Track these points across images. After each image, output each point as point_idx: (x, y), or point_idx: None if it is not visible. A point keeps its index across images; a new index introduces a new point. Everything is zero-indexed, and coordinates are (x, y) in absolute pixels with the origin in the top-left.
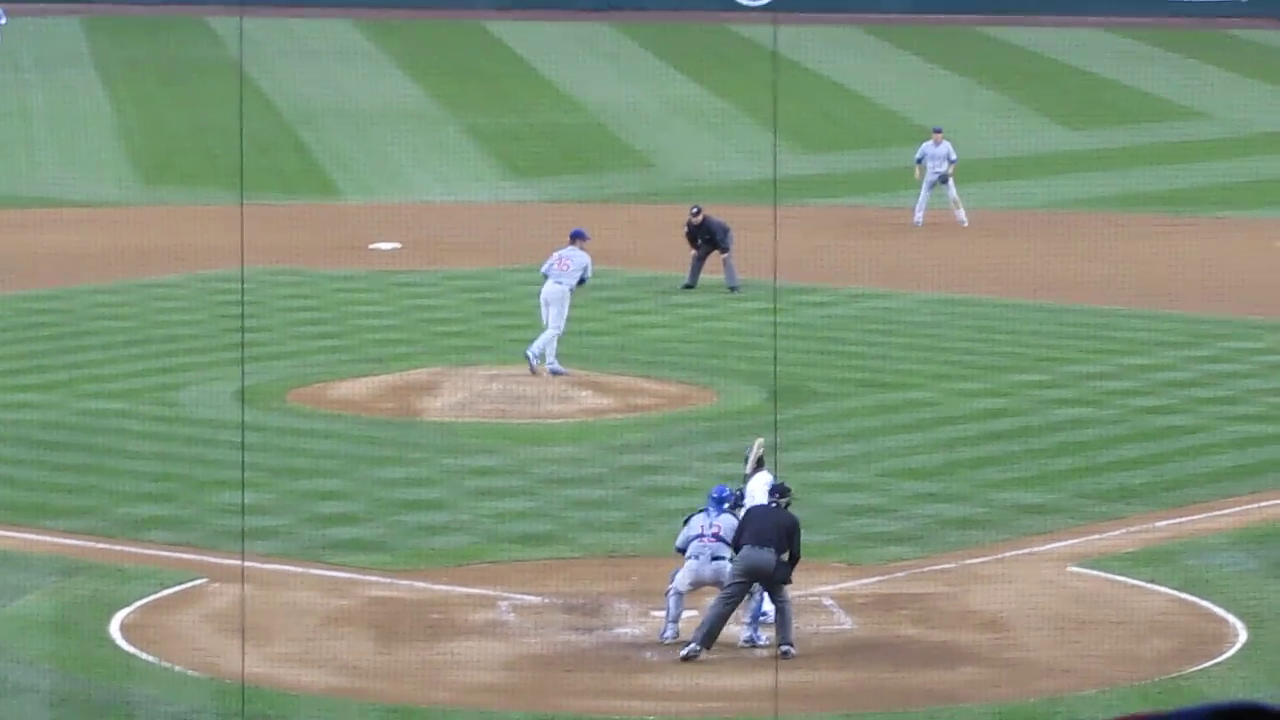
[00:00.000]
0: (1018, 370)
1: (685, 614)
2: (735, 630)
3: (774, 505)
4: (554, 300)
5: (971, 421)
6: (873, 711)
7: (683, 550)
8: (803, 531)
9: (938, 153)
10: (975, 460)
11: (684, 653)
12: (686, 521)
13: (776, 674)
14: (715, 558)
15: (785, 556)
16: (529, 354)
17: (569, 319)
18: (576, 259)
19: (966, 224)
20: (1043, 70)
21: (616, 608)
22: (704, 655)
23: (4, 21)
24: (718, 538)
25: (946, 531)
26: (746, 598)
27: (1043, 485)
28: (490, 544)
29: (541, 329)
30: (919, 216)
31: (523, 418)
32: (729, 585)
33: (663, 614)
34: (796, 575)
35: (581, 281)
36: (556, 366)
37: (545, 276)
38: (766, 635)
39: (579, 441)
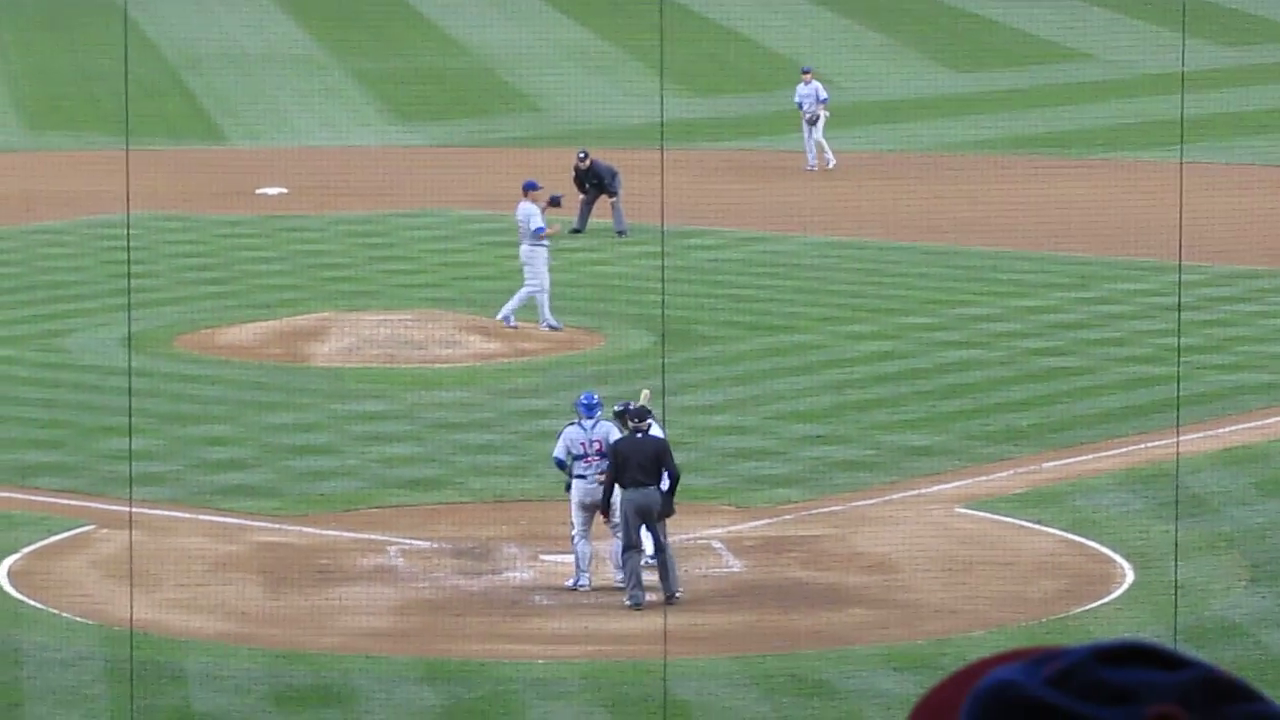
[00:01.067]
0: (905, 313)
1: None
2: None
3: (638, 434)
4: (523, 260)
5: (860, 364)
6: (763, 654)
7: (561, 464)
8: (692, 474)
9: (807, 93)
10: (863, 403)
11: (630, 603)
12: (561, 435)
13: (665, 618)
14: (596, 473)
15: (664, 485)
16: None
17: (546, 273)
18: (521, 213)
19: (832, 166)
20: (930, 12)
21: (505, 552)
22: (594, 599)
23: None
24: (600, 454)
25: (834, 474)
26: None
27: (930, 427)
28: (379, 489)
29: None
30: (810, 160)
31: (410, 363)
32: (621, 529)
33: (554, 559)
34: (685, 519)
35: (538, 232)
36: (551, 321)
37: None
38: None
39: (467, 386)
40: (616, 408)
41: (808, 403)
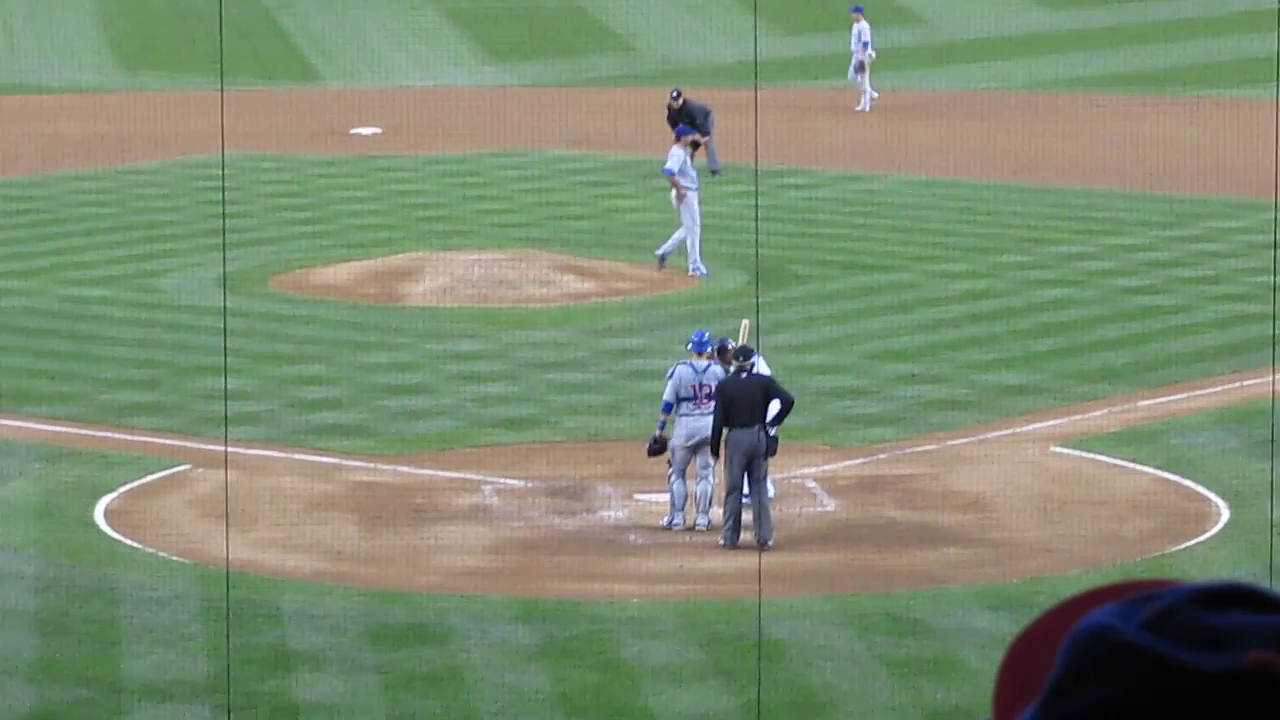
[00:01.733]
0: (1000, 251)
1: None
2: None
3: (742, 373)
4: (674, 204)
5: (954, 303)
6: (857, 593)
7: (668, 409)
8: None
9: (855, 33)
10: (957, 342)
11: (724, 541)
12: (670, 375)
13: (760, 557)
14: (709, 414)
15: (770, 421)
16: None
17: (698, 218)
18: (670, 157)
19: (863, 108)
20: None
21: (600, 491)
22: (688, 538)
23: None
24: (710, 397)
25: (929, 413)
26: (702, 477)
27: (1025, 366)
28: (473, 428)
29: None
30: (863, 100)
31: (505, 302)
32: (726, 469)
33: (647, 498)
34: (779, 458)
35: (666, 174)
36: (699, 266)
37: None
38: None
39: (561, 326)
40: (714, 344)
41: (902, 342)
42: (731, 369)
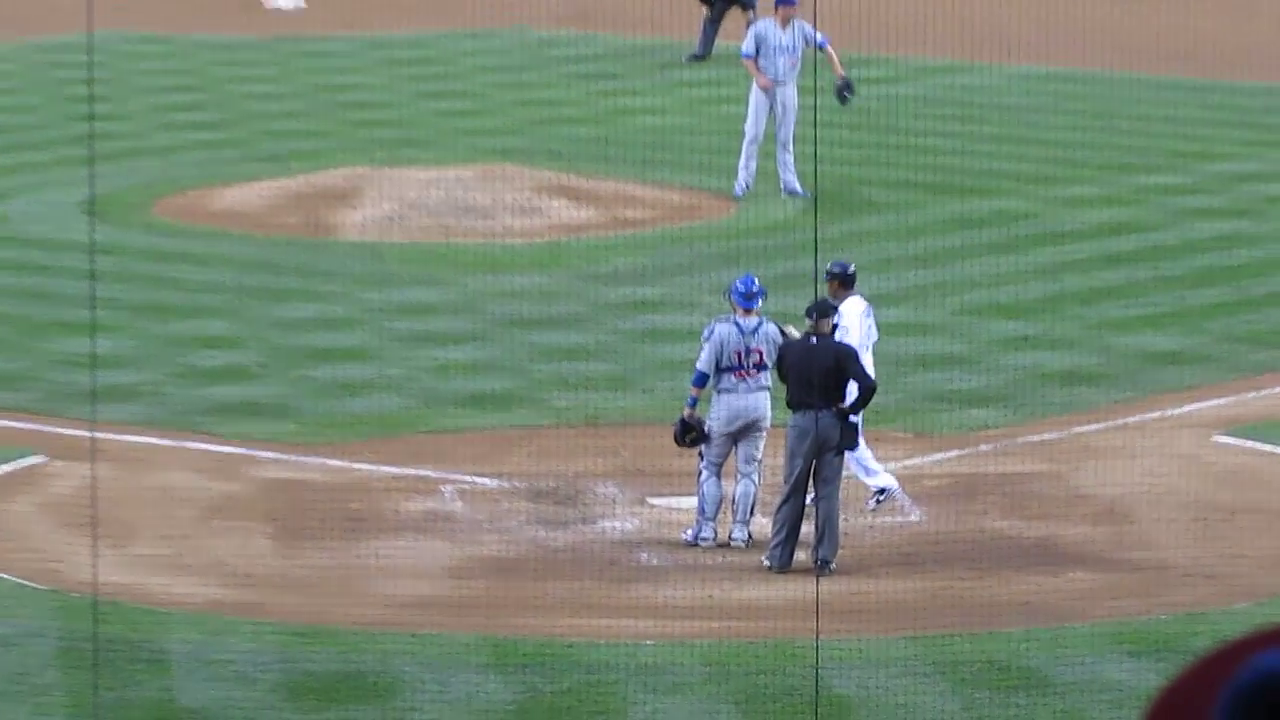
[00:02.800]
0: (1145, 170)
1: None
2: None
3: (812, 338)
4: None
5: (1083, 240)
6: (949, 633)
7: (702, 382)
8: None
9: None
10: (1087, 293)
11: (770, 563)
12: (708, 336)
13: (818, 584)
14: (759, 390)
15: (847, 407)
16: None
17: (761, 117)
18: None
19: None
20: None
21: (601, 493)
22: (721, 558)
23: None
24: (761, 367)
25: (1048, 389)
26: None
27: (1179, 325)
28: (430, 408)
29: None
30: None
31: (473, 237)
32: (793, 468)
33: (665, 503)
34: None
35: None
36: (791, 184)
37: None
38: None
39: (549, 269)
40: (821, 305)
41: (1010, 292)
42: (803, 330)
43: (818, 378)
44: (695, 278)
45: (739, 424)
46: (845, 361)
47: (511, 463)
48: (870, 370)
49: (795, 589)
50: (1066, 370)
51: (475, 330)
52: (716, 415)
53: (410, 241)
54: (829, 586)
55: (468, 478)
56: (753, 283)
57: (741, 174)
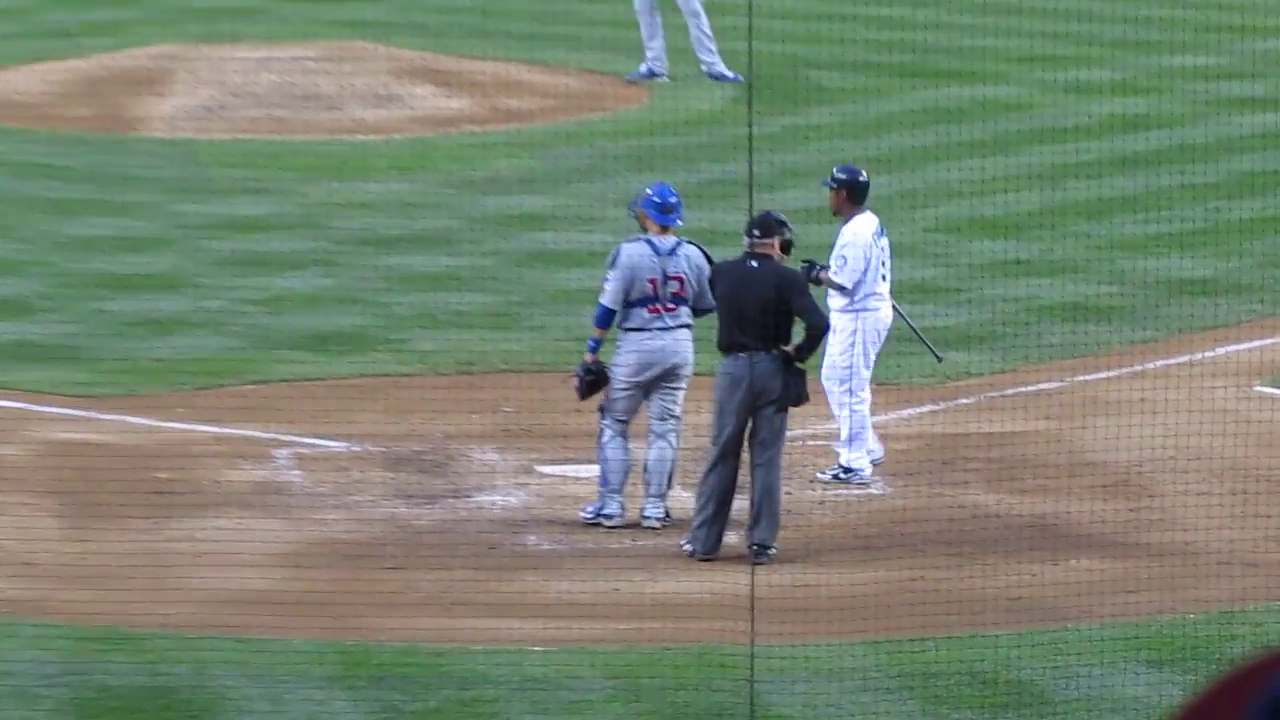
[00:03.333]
0: (1165, 50)
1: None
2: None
3: (751, 261)
4: None
5: (1089, 138)
6: (919, 637)
7: (607, 319)
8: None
9: None
10: (1093, 204)
11: (690, 547)
12: (614, 262)
13: (752, 576)
14: (678, 327)
15: (792, 350)
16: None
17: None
18: None
19: None
20: None
21: (477, 460)
22: (631, 541)
23: None
24: (679, 298)
25: (1046, 326)
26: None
27: (1211, 246)
28: (259, 351)
29: None
30: None
31: (314, 132)
32: (721, 426)
33: (559, 471)
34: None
35: None
36: (712, 66)
37: None
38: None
39: (411, 174)
40: (764, 219)
41: (998, 204)
42: (744, 248)
43: (754, 311)
44: (597, 185)
45: (652, 372)
46: (790, 292)
47: (364, 421)
48: (883, 313)
49: (725, 581)
50: (1069, 303)
51: (317, 252)
52: (624, 360)
53: (233, 138)
54: (767, 578)
55: (308, 439)
56: (670, 192)
57: (647, 54)
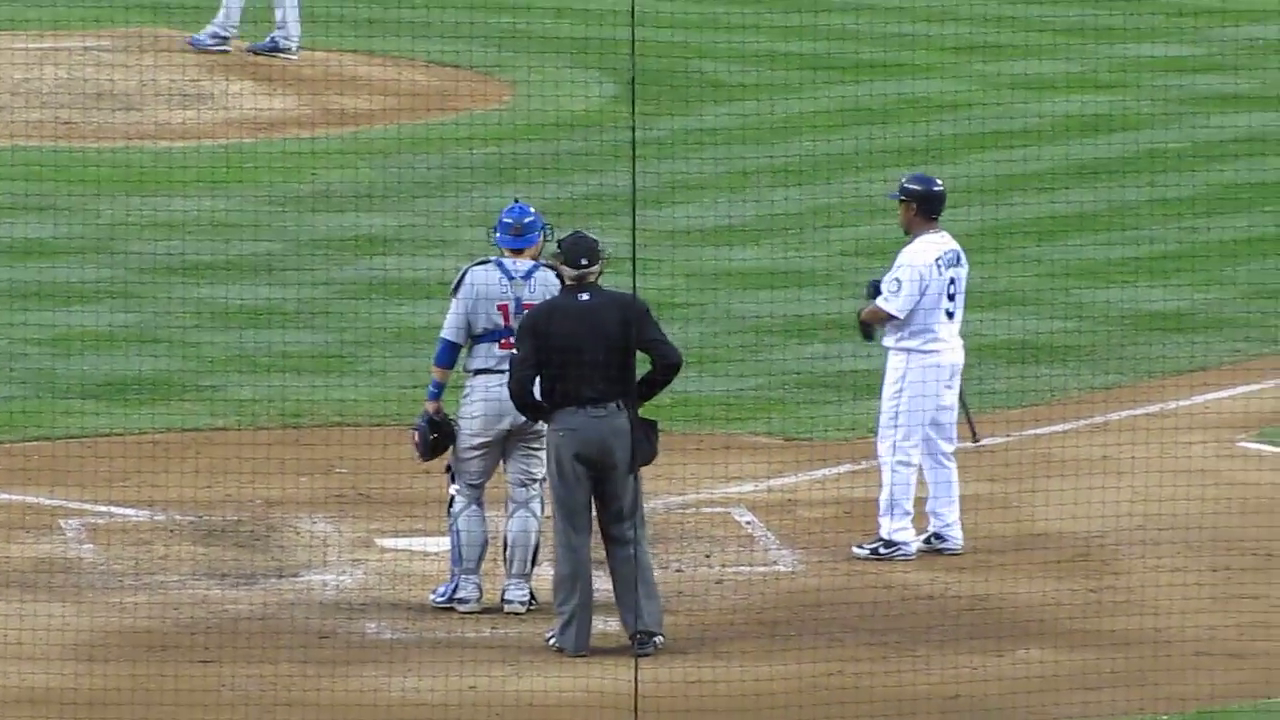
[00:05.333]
0: (1134, 36)
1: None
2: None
3: (581, 294)
4: None
5: (1039, 142)
6: None
7: (450, 357)
8: (693, 368)
9: None
10: (1045, 223)
11: (555, 641)
12: (457, 288)
13: (636, 673)
14: None
15: (641, 393)
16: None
17: None
18: None
19: None
20: None
21: (306, 532)
22: (489, 630)
23: None
24: None
25: (987, 369)
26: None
27: (1187, 274)
28: (42, 400)
29: None
30: None
31: (109, 138)
32: (565, 495)
33: (403, 545)
34: (676, 462)
35: None
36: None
37: None
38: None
39: (224, 187)
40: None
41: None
42: (564, 279)
43: (596, 354)
44: (449, 202)
45: (505, 424)
46: (640, 324)
47: (170, 485)
48: (943, 356)
49: (602, 676)
50: (1015, 341)
51: (112, 282)
52: (471, 411)
53: (11, 145)
54: (654, 673)
55: (102, 507)
56: (525, 212)
57: (277, 23)
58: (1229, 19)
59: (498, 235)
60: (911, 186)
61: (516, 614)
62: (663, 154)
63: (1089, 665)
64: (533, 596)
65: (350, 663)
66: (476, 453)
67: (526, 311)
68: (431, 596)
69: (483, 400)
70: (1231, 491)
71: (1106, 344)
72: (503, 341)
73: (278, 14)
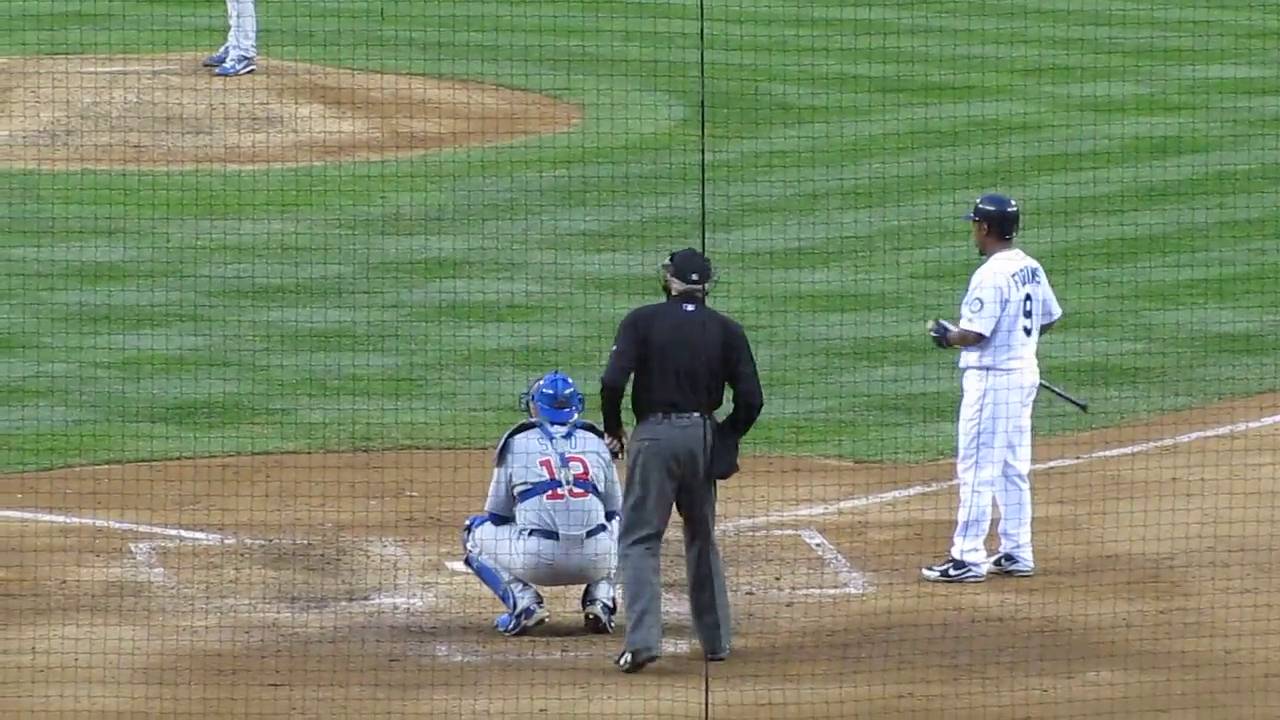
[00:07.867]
0: (1200, 59)
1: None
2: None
3: (686, 303)
4: None
5: (1109, 164)
6: None
7: (498, 518)
8: (770, 387)
9: None
10: (1115, 245)
11: (628, 659)
12: (502, 455)
13: (706, 691)
14: (584, 531)
15: (727, 425)
16: None
17: None
18: None
19: None
20: None
21: (376, 555)
22: (557, 650)
23: None
24: (586, 485)
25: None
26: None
27: (1257, 295)
28: (112, 423)
29: None
30: None
31: (179, 161)
32: (630, 499)
33: (468, 571)
34: (750, 484)
35: None
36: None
37: None
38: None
39: (294, 210)
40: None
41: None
42: (671, 291)
43: (694, 364)
44: (518, 225)
45: (545, 574)
46: (737, 350)
47: (239, 509)
48: (1024, 375)
49: (673, 699)
50: (1085, 364)
51: (182, 305)
52: (516, 563)
53: (81, 169)
54: (725, 695)
55: (172, 531)
56: (566, 383)
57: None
58: None
59: (539, 405)
60: (985, 207)
61: (597, 617)
62: (732, 176)
63: (1159, 687)
64: (612, 610)
65: (420, 685)
66: (526, 596)
67: (630, 309)
68: (499, 628)
69: (534, 553)
70: None
71: (1176, 366)
72: (551, 492)
73: (233, 22)
